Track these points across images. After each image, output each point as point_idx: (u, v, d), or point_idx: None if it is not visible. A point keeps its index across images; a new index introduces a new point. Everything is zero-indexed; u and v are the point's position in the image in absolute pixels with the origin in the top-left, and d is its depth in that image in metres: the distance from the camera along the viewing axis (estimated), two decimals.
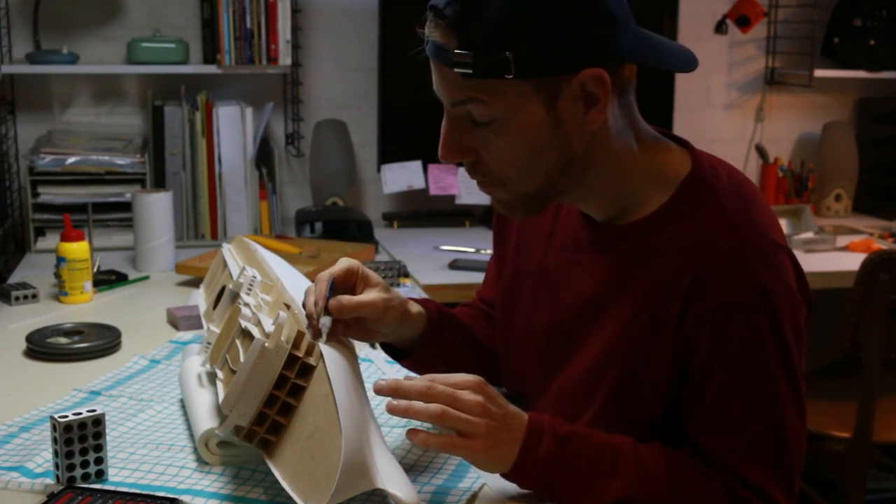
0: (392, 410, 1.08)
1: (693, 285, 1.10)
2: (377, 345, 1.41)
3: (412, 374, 1.33)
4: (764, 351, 1.09)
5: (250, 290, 1.30)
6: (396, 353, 1.36)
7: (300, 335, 1.12)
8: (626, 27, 1.10)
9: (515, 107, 1.09)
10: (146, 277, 2.31)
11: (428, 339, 1.32)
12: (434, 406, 1.07)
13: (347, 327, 1.20)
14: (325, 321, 1.15)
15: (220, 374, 1.22)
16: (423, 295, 2.19)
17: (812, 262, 2.62)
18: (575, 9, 1.06)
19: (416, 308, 1.31)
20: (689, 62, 1.16)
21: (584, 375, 1.20)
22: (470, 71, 1.06)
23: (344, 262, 1.23)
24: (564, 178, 1.15)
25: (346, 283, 1.22)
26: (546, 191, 1.16)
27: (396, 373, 1.58)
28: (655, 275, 1.14)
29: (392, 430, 1.34)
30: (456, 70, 1.07)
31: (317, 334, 1.14)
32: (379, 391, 1.10)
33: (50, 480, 1.17)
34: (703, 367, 1.11)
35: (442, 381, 1.10)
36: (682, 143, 1.21)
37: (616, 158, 1.15)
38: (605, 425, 1.16)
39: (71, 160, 2.60)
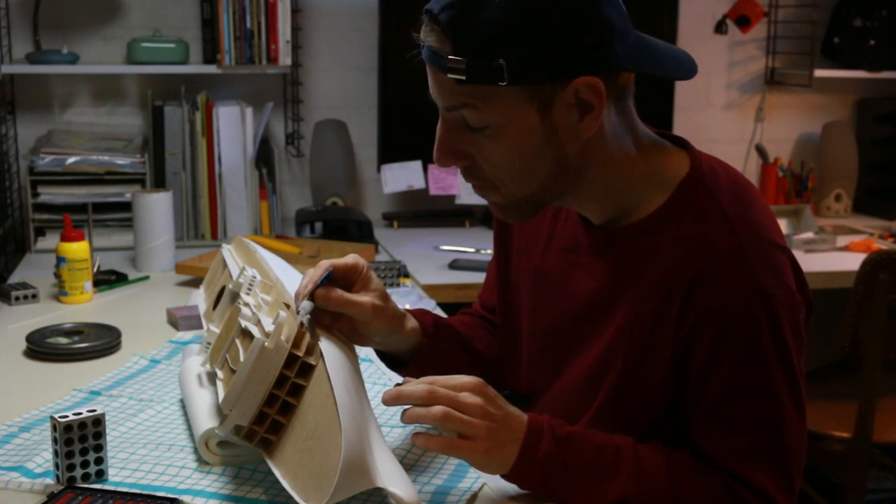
0: (403, 419, 1.09)
1: (692, 286, 1.10)
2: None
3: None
4: (763, 351, 1.09)
5: (250, 290, 1.30)
6: (394, 362, 1.35)
7: (300, 334, 1.12)
8: (623, 34, 1.09)
9: (509, 113, 1.08)
10: (146, 277, 2.31)
11: (425, 354, 1.32)
12: (436, 408, 1.07)
13: (336, 321, 1.20)
14: (305, 305, 1.15)
15: (220, 373, 1.22)
16: (424, 295, 2.19)
17: (812, 262, 2.62)
18: (569, 17, 1.05)
19: (411, 324, 1.30)
20: (688, 69, 1.16)
21: (584, 377, 1.20)
22: (463, 77, 1.06)
23: (351, 258, 1.23)
24: (559, 183, 1.14)
25: (347, 278, 1.22)
26: (541, 195, 1.15)
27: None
28: (654, 276, 1.13)
29: (392, 429, 1.35)
30: (450, 76, 1.07)
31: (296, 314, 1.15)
32: (385, 403, 1.10)
33: (50, 480, 1.17)
34: (702, 368, 1.11)
35: (442, 382, 1.10)
36: (682, 144, 1.21)
37: (612, 163, 1.15)
38: (605, 426, 1.16)
39: (71, 160, 2.60)
